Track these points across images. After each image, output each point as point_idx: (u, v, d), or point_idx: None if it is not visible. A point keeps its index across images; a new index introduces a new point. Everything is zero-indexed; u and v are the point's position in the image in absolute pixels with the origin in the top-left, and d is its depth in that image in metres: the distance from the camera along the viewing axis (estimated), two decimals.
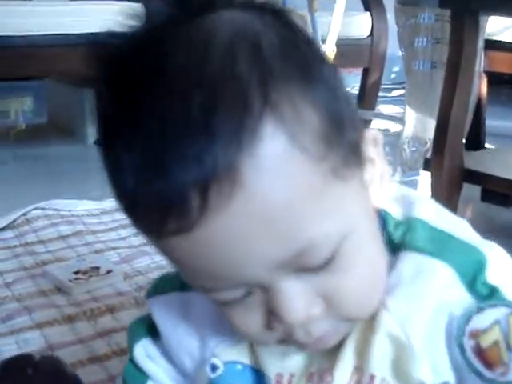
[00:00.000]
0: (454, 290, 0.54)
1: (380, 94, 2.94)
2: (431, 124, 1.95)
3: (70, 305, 1.25)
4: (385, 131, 2.74)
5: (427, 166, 1.87)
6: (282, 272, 0.49)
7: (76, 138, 3.02)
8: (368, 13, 2.78)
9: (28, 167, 2.66)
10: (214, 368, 0.63)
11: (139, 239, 1.54)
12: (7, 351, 1.06)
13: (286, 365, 0.60)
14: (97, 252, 1.49)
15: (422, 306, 0.54)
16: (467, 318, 0.53)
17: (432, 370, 0.54)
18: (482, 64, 2.04)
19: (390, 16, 2.51)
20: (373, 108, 2.85)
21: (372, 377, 0.55)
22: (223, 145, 0.45)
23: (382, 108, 3.40)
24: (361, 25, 2.78)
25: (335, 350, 0.57)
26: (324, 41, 2.37)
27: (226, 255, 0.48)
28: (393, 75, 3.83)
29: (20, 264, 1.43)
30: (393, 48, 2.71)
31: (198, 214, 0.45)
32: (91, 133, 2.96)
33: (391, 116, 2.99)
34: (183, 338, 0.65)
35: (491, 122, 2.40)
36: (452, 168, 1.74)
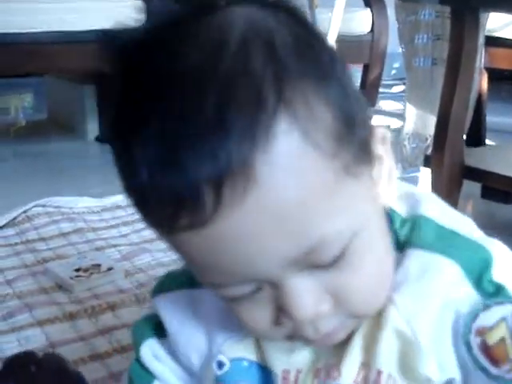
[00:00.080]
0: (461, 288, 0.54)
1: (380, 90, 2.94)
2: (431, 120, 1.95)
3: (71, 302, 1.25)
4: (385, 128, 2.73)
5: (427, 162, 1.88)
6: (293, 269, 0.49)
7: (76, 134, 3.02)
8: (368, 9, 2.78)
9: (28, 164, 2.65)
10: (220, 365, 0.63)
11: (140, 236, 1.54)
12: (8, 349, 1.07)
13: (293, 361, 0.60)
14: (97, 249, 1.49)
15: (429, 303, 0.54)
16: (474, 315, 0.53)
17: (438, 366, 0.54)
18: (483, 60, 2.03)
19: (391, 12, 2.51)
20: (373, 104, 2.84)
21: (379, 372, 0.56)
22: (237, 141, 0.45)
23: (383, 104, 3.40)
24: (361, 21, 2.78)
25: (342, 346, 0.57)
26: None
27: (238, 251, 0.48)
28: (393, 71, 3.83)
29: (21, 261, 1.43)
30: (393, 44, 2.70)
31: (212, 210, 0.46)
32: (91, 129, 2.96)
33: (392, 112, 2.98)
34: (191, 335, 0.65)
35: (492, 119, 2.40)
36: (452, 165, 1.74)
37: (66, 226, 1.60)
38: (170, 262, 1.38)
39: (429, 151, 1.99)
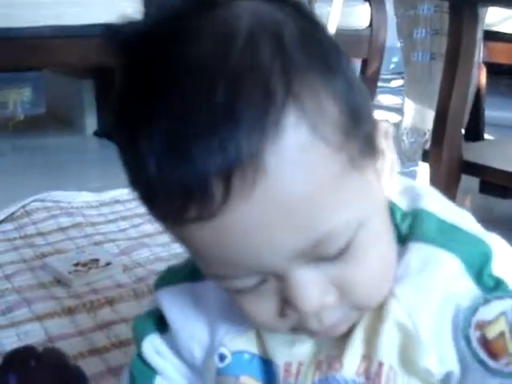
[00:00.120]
0: (461, 282, 0.54)
1: (379, 84, 2.94)
2: (430, 115, 1.95)
3: (70, 297, 1.25)
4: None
5: (426, 157, 1.88)
6: (299, 261, 0.49)
7: (75, 128, 3.02)
8: (367, 3, 2.78)
9: (26, 158, 2.65)
10: (222, 357, 0.63)
11: (138, 231, 1.54)
12: (8, 343, 1.07)
13: (295, 353, 0.60)
14: (96, 244, 1.49)
15: (430, 297, 0.55)
16: (474, 309, 0.54)
17: (438, 359, 0.55)
18: (481, 55, 2.03)
19: (389, 6, 2.51)
20: (372, 98, 2.84)
21: (380, 364, 0.56)
22: (247, 132, 0.45)
23: (381, 98, 3.40)
24: (360, 15, 2.78)
25: (343, 338, 0.57)
26: None
27: (245, 243, 0.48)
28: (392, 65, 3.82)
29: (20, 256, 1.43)
30: (392, 39, 2.70)
31: (221, 202, 0.46)
32: (90, 124, 2.96)
33: (390, 107, 2.98)
34: (193, 328, 0.65)
35: (490, 113, 2.40)
36: (451, 159, 1.74)
37: (64, 221, 1.60)
38: (168, 256, 1.38)
39: (427, 146, 2.00)
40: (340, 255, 0.50)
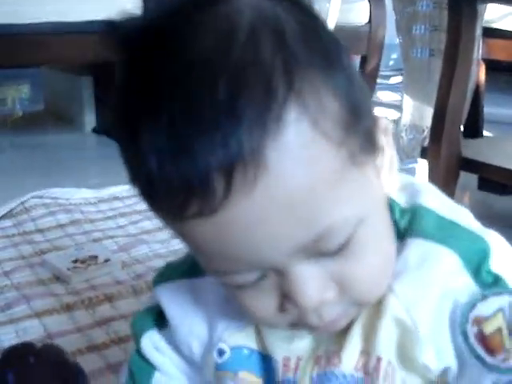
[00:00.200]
0: (459, 278, 0.55)
1: (378, 80, 2.94)
2: (429, 112, 1.95)
3: (69, 293, 1.25)
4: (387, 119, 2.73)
5: (424, 154, 1.88)
6: (299, 256, 0.50)
7: (73, 125, 3.02)
8: (366, 0, 2.77)
9: (25, 155, 2.65)
10: (220, 353, 0.63)
11: (137, 228, 1.54)
12: (6, 340, 1.07)
13: (293, 348, 0.60)
14: (95, 241, 1.49)
15: (428, 292, 0.55)
16: (471, 305, 0.54)
17: (436, 355, 0.55)
18: (480, 51, 2.03)
19: (388, 3, 2.50)
20: (371, 95, 2.84)
21: (378, 359, 0.56)
22: (248, 128, 0.45)
23: (381, 95, 3.40)
24: (359, 12, 2.77)
25: (342, 334, 0.58)
26: None
27: (246, 238, 0.48)
28: (391, 62, 3.83)
29: (18, 253, 1.43)
30: (391, 35, 2.70)
31: (222, 197, 0.46)
32: (88, 121, 2.96)
33: (389, 104, 2.98)
34: (192, 323, 0.65)
35: (489, 110, 2.40)
36: (449, 156, 1.74)
37: (63, 218, 1.60)
38: (167, 253, 1.38)
39: (426, 143, 1.99)
40: (340, 251, 0.50)
